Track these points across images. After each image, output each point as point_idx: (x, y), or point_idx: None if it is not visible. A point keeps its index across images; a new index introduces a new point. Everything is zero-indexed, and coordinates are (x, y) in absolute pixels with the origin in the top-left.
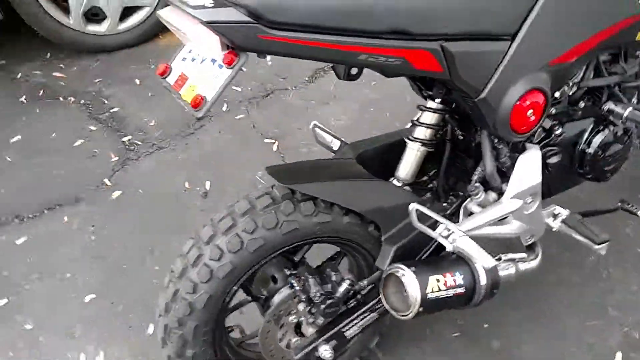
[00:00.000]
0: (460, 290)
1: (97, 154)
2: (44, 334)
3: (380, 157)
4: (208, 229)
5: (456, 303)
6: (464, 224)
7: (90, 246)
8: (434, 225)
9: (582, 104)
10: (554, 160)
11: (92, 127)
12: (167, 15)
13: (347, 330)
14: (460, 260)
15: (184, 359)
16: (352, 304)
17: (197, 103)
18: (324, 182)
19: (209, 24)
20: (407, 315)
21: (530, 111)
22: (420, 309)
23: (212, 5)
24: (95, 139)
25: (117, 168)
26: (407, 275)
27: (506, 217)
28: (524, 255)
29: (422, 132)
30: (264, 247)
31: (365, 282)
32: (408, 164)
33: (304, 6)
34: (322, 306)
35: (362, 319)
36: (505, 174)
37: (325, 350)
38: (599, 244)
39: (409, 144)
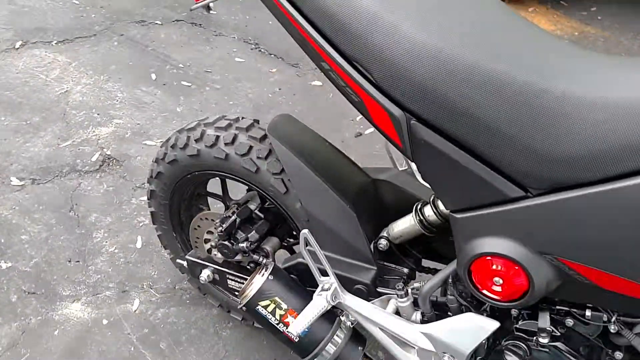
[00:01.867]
0: (292, 336)
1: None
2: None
3: (396, 199)
4: (212, 117)
5: (283, 341)
6: (352, 298)
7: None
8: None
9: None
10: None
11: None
12: None
13: (230, 277)
14: (323, 317)
15: (150, 186)
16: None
17: None
18: (300, 160)
19: None
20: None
21: (498, 280)
22: (244, 308)
23: None
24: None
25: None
26: (262, 276)
27: (412, 345)
28: None
29: (428, 213)
30: (224, 162)
31: (259, 257)
32: (401, 226)
33: None
34: (218, 240)
35: (240, 281)
36: (448, 310)
37: (205, 274)
38: None
39: (413, 212)
